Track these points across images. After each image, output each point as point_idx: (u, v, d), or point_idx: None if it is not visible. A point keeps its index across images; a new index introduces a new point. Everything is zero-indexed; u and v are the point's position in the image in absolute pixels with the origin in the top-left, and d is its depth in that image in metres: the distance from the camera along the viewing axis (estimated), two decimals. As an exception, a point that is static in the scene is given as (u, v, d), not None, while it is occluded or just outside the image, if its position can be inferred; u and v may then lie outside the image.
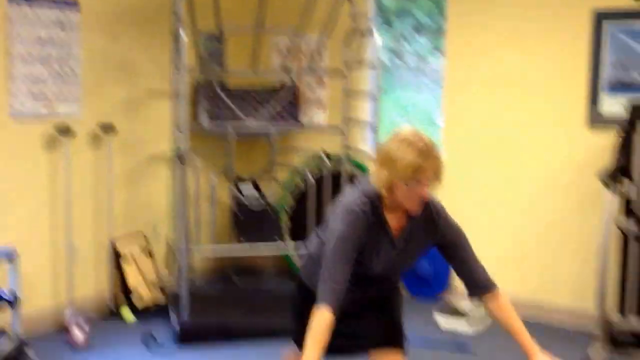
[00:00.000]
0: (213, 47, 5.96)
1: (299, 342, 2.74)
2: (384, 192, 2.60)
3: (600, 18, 4.85)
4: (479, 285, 2.74)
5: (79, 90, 4.95)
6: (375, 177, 2.62)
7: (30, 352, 4.19)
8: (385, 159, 2.56)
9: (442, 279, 5.60)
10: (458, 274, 2.78)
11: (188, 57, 4.71)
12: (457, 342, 4.67)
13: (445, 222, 2.75)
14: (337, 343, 2.68)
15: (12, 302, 4.19)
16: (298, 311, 2.91)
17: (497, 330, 4.94)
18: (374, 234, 2.64)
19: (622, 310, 4.50)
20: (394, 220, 2.68)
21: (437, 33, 5.69)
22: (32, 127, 4.68)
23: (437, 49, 5.75)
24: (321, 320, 2.46)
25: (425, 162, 2.51)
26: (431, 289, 5.62)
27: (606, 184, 4.41)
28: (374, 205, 2.63)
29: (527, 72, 5.20)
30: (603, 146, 4.87)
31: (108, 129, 5.06)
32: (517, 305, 5.28)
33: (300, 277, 2.92)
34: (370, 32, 5.00)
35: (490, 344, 4.78)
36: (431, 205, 2.72)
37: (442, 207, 2.78)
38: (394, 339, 2.91)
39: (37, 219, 4.77)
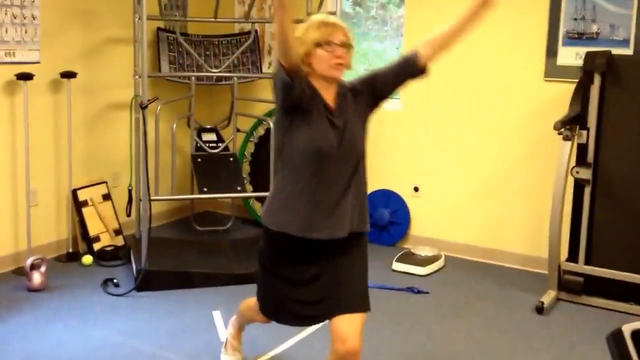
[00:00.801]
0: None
1: (264, 293, 3.02)
2: (307, 70, 2.79)
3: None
4: (414, 61, 2.97)
5: (39, 36, 4.89)
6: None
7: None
8: (299, 38, 2.78)
9: (401, 228, 5.69)
10: (401, 79, 2.97)
11: (149, 3, 4.65)
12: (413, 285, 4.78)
13: (362, 80, 2.95)
14: (300, 312, 2.91)
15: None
16: (261, 257, 3.01)
17: (448, 271, 5.11)
18: (312, 102, 2.79)
19: (573, 257, 4.61)
20: (327, 93, 2.85)
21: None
22: (-11, 72, 4.63)
23: (401, -2, 5.75)
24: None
25: (332, 23, 2.82)
26: (390, 237, 5.71)
27: (561, 134, 4.49)
28: (307, 81, 2.79)
29: (487, 23, 5.21)
30: (559, 97, 4.93)
31: (68, 75, 5.01)
32: (472, 251, 5.46)
33: (263, 224, 2.94)
34: (333, -20, 4.97)
35: (443, 282, 4.93)
36: (348, 83, 2.93)
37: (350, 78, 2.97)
38: (356, 304, 2.88)
39: (-5, 164, 4.75)
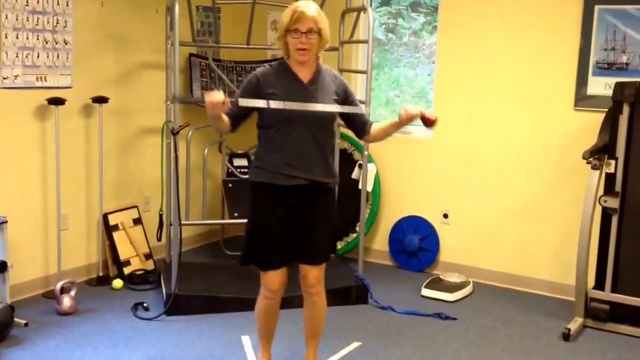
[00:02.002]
0: (207, 20, 5.98)
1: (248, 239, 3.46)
2: (285, 54, 3.34)
3: (592, 1, 4.90)
4: (365, 128, 3.50)
5: (71, 61, 4.98)
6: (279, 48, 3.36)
7: (16, 317, 4.25)
8: (278, 24, 3.29)
9: (430, 254, 5.67)
10: (351, 124, 3.53)
11: (182, 29, 4.73)
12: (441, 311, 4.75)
13: (344, 82, 3.47)
14: (276, 248, 3.40)
15: (1, 268, 4.25)
16: (249, 209, 3.50)
17: (476, 297, 5.08)
18: (285, 79, 3.33)
19: (600, 285, 4.58)
20: (301, 71, 3.34)
21: (432, 10, 5.70)
22: (24, 97, 4.71)
23: (432, 25, 5.75)
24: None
25: (300, 12, 3.19)
26: (419, 263, 5.69)
27: (590, 163, 4.47)
28: (281, 64, 3.37)
29: (517, 51, 5.23)
30: (588, 126, 4.92)
31: (100, 100, 5.09)
32: (500, 277, 5.43)
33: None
34: (364, 9, 5.01)
35: (471, 309, 4.91)
36: (334, 72, 3.48)
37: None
38: (315, 259, 3.47)
39: (28, 188, 4.81)
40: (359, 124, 3.49)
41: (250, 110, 3.35)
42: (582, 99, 5.00)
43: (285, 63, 3.37)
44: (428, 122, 3.30)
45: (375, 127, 3.48)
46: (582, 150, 4.51)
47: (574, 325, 4.48)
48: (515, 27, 5.21)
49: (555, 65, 5.09)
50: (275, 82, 3.32)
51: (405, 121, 3.30)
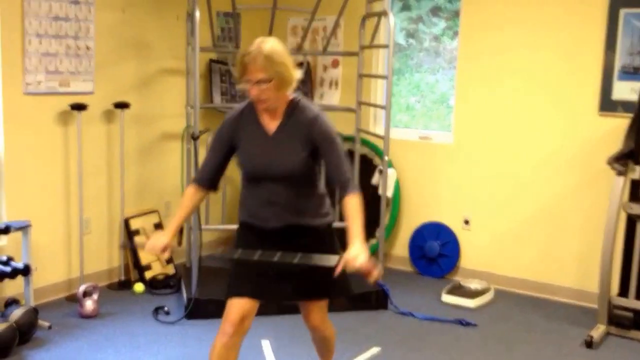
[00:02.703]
0: (227, 26, 6.01)
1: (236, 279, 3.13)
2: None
3: (617, 5, 4.85)
4: (342, 187, 2.97)
5: (93, 67, 5.02)
6: None
7: (40, 319, 4.30)
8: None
9: (451, 261, 5.65)
10: (327, 175, 3.03)
11: (202, 35, 4.75)
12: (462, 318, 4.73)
13: (320, 128, 2.99)
14: (265, 285, 3.08)
15: (25, 271, 4.30)
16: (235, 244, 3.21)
17: (497, 304, 5.05)
18: (250, 129, 3.03)
19: (624, 292, 4.53)
20: (267, 119, 3.02)
21: (453, 15, 5.69)
22: (46, 103, 4.76)
23: (453, 31, 5.75)
24: (187, 190, 3.16)
25: (244, 62, 2.86)
26: (440, 269, 5.67)
27: (615, 169, 4.44)
28: (251, 107, 3.04)
29: (541, 56, 5.20)
30: (613, 132, 4.88)
31: (121, 105, 5.13)
32: (522, 284, 5.38)
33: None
34: (385, 14, 5.02)
35: (492, 315, 4.88)
36: (309, 110, 3.02)
37: (321, 116, 3.03)
38: (317, 293, 3.18)
39: (51, 192, 4.86)
40: (329, 177, 3.03)
41: (226, 158, 3.11)
42: (607, 104, 4.95)
43: (254, 108, 3.04)
44: (367, 275, 2.80)
45: (345, 207, 2.96)
46: (606, 156, 4.49)
47: (597, 332, 4.44)
48: (538, 32, 5.18)
49: (580, 69, 5.05)
50: (242, 130, 3.05)
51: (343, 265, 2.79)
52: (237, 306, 3.04)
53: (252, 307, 3.07)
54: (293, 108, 3.02)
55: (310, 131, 2.98)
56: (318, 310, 3.25)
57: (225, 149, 3.09)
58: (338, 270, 2.76)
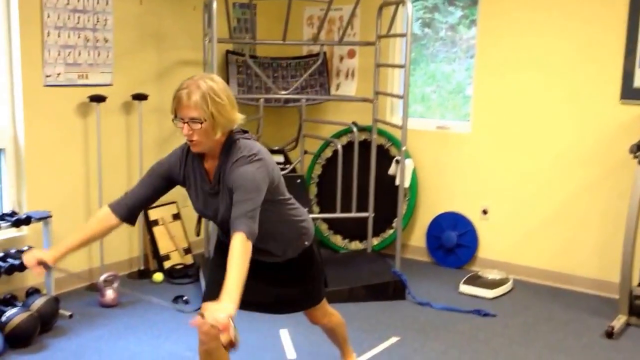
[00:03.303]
0: (244, 17, 6.02)
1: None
2: None
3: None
4: (232, 223, 2.58)
5: (112, 59, 5.05)
6: None
7: (61, 309, 4.35)
8: None
9: (469, 251, 5.64)
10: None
11: (219, 26, 4.76)
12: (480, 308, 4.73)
13: (236, 168, 2.68)
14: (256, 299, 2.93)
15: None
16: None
17: (516, 294, 5.03)
18: (195, 173, 2.82)
19: (646, 282, 4.52)
20: (209, 163, 2.80)
21: (470, 3, 5.67)
22: (66, 95, 4.79)
23: (470, 19, 5.73)
24: (98, 213, 2.88)
25: (177, 98, 2.66)
26: (458, 259, 5.67)
27: (637, 157, 4.40)
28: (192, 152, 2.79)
29: (561, 43, 5.17)
30: (635, 120, 4.85)
31: (140, 97, 5.15)
32: (541, 274, 5.36)
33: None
34: (403, 2, 5.01)
35: (511, 306, 4.87)
36: (239, 152, 2.71)
37: (248, 156, 2.70)
38: (306, 302, 3.17)
39: (72, 184, 4.89)
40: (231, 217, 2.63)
41: (156, 192, 2.88)
42: (629, 92, 4.91)
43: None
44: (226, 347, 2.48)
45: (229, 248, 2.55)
46: (628, 144, 4.46)
47: (618, 323, 4.42)
48: (558, 19, 5.15)
49: (601, 57, 5.02)
50: (187, 172, 2.86)
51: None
52: None
53: None
54: (229, 148, 2.74)
55: (230, 178, 2.69)
56: (314, 310, 3.24)
57: (158, 184, 2.86)
58: (193, 323, 2.44)
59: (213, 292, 2.67)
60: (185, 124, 2.66)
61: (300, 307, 3.21)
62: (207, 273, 3.13)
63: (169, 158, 2.91)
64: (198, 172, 2.83)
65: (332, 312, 3.37)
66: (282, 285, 3.08)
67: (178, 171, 2.86)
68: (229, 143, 2.74)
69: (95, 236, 2.86)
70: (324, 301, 3.27)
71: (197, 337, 2.90)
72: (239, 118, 2.76)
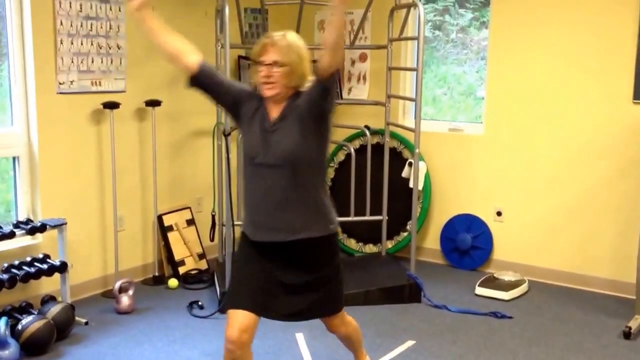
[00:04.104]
0: (256, 22, 6.03)
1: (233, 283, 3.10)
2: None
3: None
4: (316, 80, 2.89)
5: (125, 66, 5.06)
6: None
7: (77, 316, 4.36)
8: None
9: (484, 253, 5.62)
10: (318, 100, 2.91)
11: (231, 31, 4.77)
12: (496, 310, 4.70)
13: (305, 92, 2.95)
14: (268, 300, 2.99)
15: (61, 269, 4.35)
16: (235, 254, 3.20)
17: (532, 295, 5.00)
18: (257, 111, 3.00)
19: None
20: (272, 107, 2.99)
21: (480, 6, 5.66)
22: (79, 102, 4.80)
23: (480, 21, 5.71)
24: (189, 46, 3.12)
25: (264, 43, 2.94)
26: (473, 261, 5.65)
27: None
28: (261, 94, 2.98)
29: (573, 43, 5.15)
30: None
31: (153, 103, 5.16)
32: (556, 276, 5.33)
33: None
34: (414, 5, 5.00)
35: (527, 307, 4.85)
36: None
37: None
38: (328, 309, 3.18)
39: (86, 190, 4.90)
40: (318, 93, 2.91)
41: (222, 90, 3.06)
42: (641, 92, 4.89)
43: (263, 97, 3.02)
44: None
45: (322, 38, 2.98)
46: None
47: (635, 323, 4.39)
48: (570, 19, 5.13)
49: (613, 57, 4.99)
50: (249, 109, 3.03)
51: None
52: (235, 320, 2.96)
53: (252, 321, 2.97)
54: (296, 96, 2.98)
55: (301, 101, 2.94)
56: (334, 318, 3.25)
57: (228, 91, 3.05)
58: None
59: (240, 295, 2.96)
60: (266, 66, 2.91)
61: (323, 311, 3.18)
62: (233, 272, 3.15)
63: (242, 86, 3.14)
64: (260, 111, 3.00)
65: (349, 320, 3.36)
66: (307, 288, 3.05)
67: (244, 99, 3.04)
68: (296, 93, 2.98)
69: (168, 44, 3.13)
70: (343, 310, 3.26)
71: (225, 347, 2.98)
72: (309, 78, 2.96)
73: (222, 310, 4.60)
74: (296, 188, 2.95)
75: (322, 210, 3.07)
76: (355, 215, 5.36)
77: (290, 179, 2.93)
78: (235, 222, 4.82)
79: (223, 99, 3.08)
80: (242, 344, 2.95)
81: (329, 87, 2.87)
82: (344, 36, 2.92)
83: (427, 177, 5.75)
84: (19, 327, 3.95)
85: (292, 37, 2.98)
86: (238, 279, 3.06)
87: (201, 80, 3.04)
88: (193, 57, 3.07)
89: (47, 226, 4.38)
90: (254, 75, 2.98)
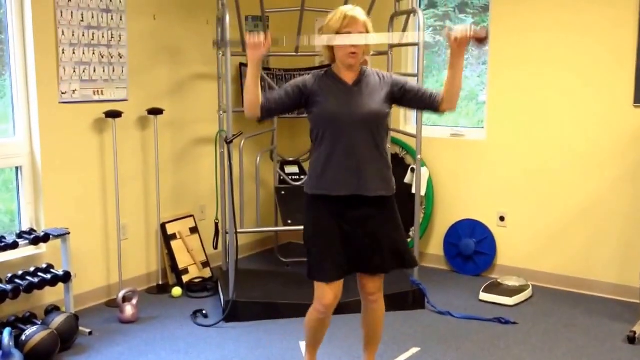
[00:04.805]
0: (256, 29, 6.03)
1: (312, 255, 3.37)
2: (329, 59, 3.36)
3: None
4: (437, 97, 3.32)
5: (126, 75, 5.07)
6: (323, 54, 3.38)
7: (81, 326, 4.35)
8: (324, 28, 3.29)
9: (487, 258, 5.61)
10: (420, 105, 3.42)
11: (232, 39, 4.78)
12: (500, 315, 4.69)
13: (395, 76, 3.42)
14: (339, 262, 3.30)
15: (65, 279, 4.34)
16: (306, 225, 3.44)
17: (536, 301, 4.99)
18: (329, 83, 3.32)
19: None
20: (347, 75, 3.33)
21: (480, 11, 5.66)
22: (81, 111, 4.80)
23: (480, 26, 5.70)
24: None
25: (351, 16, 3.22)
26: (476, 267, 5.64)
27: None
28: (327, 72, 3.36)
29: (573, 48, 5.15)
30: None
31: (155, 111, 5.16)
32: (560, 280, 5.32)
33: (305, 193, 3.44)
34: (414, 11, 5.00)
35: (531, 313, 4.83)
36: (380, 72, 3.41)
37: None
38: (377, 268, 3.43)
39: (89, 200, 4.90)
40: (427, 99, 3.33)
41: (290, 102, 3.34)
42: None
43: (330, 69, 3.38)
44: (480, 40, 3.13)
45: (444, 90, 3.29)
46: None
47: (639, 328, 4.39)
48: (570, 23, 5.13)
49: (614, 61, 4.99)
50: (319, 88, 3.31)
51: (457, 50, 3.18)
52: (328, 290, 3.32)
53: (341, 285, 3.37)
54: (364, 69, 3.37)
55: (387, 81, 3.35)
56: (379, 278, 3.49)
57: (297, 94, 3.31)
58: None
59: (327, 267, 3.29)
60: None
61: (375, 263, 3.39)
62: (311, 241, 3.38)
63: (307, 78, 3.37)
64: (334, 81, 3.32)
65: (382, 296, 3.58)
66: (379, 244, 3.36)
67: (312, 84, 3.32)
68: (364, 66, 3.40)
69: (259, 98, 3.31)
70: (383, 277, 3.51)
71: (316, 309, 3.37)
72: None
73: (227, 319, 4.61)
74: (377, 147, 3.31)
75: (390, 172, 3.43)
76: (358, 221, 5.34)
77: (372, 137, 3.29)
78: (239, 230, 4.83)
79: (297, 105, 3.37)
80: (333, 306, 3.38)
81: (436, 113, 3.39)
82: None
83: (430, 182, 5.75)
84: (23, 337, 3.95)
85: (363, 13, 3.30)
86: (320, 249, 3.33)
87: (270, 114, 3.39)
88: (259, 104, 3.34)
89: (51, 236, 4.38)
90: (331, 47, 3.27)
